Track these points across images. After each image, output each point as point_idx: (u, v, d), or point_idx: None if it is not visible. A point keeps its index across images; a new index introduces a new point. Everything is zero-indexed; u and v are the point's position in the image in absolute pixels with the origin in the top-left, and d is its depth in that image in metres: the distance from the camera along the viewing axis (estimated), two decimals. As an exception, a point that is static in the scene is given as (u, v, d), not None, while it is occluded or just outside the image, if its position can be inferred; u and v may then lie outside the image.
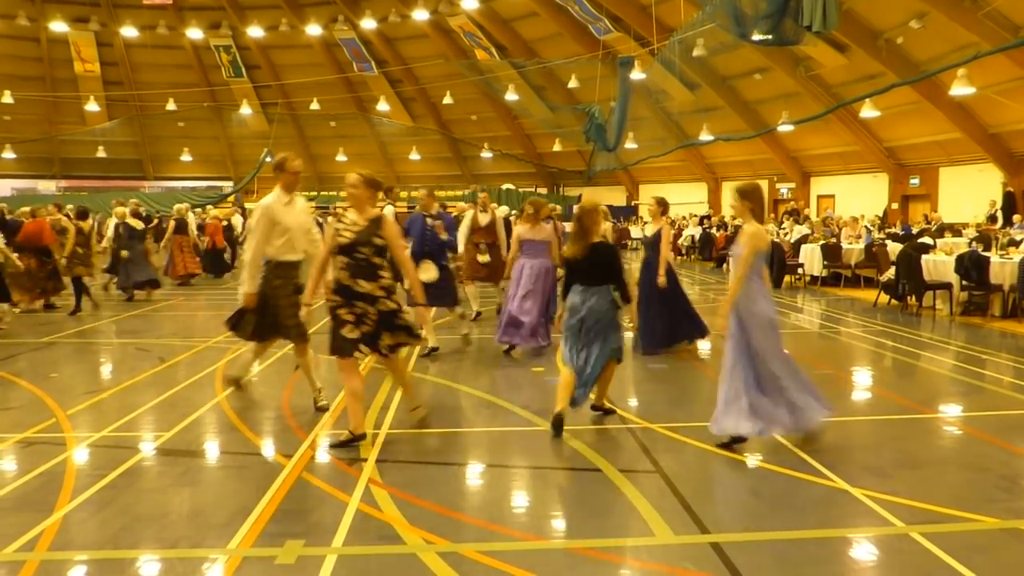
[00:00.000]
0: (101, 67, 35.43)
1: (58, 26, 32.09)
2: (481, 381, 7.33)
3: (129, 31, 32.80)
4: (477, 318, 10.65)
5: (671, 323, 8.58)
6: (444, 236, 8.51)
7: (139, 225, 13.84)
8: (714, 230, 23.21)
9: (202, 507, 4.33)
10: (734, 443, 5.19)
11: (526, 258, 8.52)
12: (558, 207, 17.21)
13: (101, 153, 36.55)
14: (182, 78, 36.07)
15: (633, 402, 6.73)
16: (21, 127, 35.24)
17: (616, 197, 35.16)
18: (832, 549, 3.81)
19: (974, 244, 12.50)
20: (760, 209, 5.31)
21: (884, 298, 12.61)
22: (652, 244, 8.62)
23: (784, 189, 30.00)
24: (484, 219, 10.44)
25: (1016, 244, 12.27)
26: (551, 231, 8.74)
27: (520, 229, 8.54)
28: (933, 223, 18.41)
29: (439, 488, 4.66)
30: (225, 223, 19.76)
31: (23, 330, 10.47)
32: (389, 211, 8.71)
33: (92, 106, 33.84)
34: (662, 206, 8.75)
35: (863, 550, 3.79)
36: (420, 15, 30.72)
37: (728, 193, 32.52)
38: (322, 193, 36.51)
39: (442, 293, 8.49)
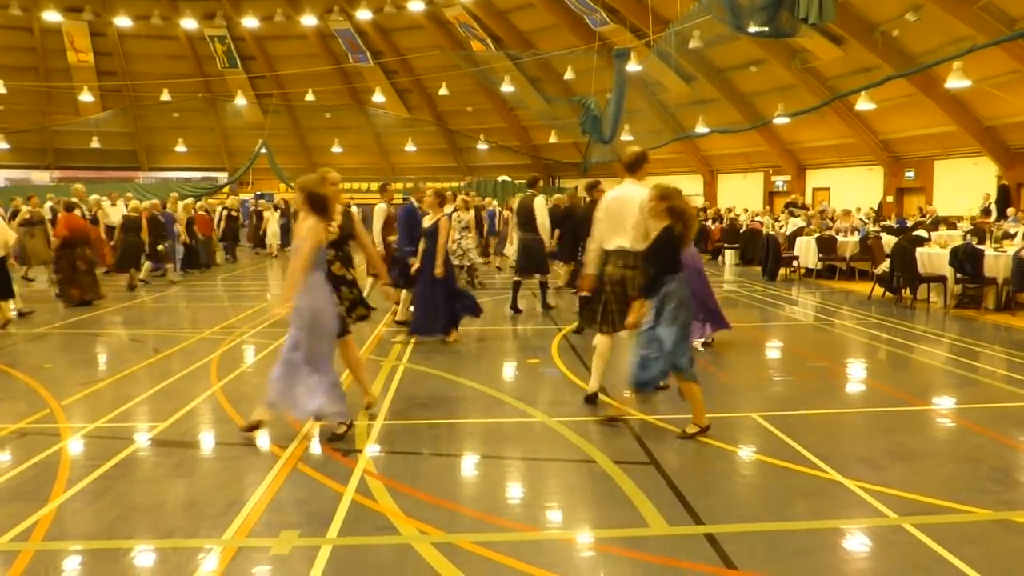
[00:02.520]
0: (95, 57, 35.20)
1: (51, 16, 31.85)
2: (476, 373, 7.33)
3: (123, 21, 32.57)
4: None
5: (451, 309, 8.86)
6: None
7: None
8: (710, 222, 23.21)
9: (197, 497, 4.33)
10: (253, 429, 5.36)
11: None
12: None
13: (95, 144, 36.35)
14: (176, 69, 35.88)
15: (628, 393, 6.73)
16: (14, 117, 35.03)
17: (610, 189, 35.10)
18: (825, 540, 3.83)
19: (968, 237, 12.54)
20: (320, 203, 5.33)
21: (879, 291, 12.64)
22: (430, 235, 8.73)
23: (780, 182, 30.00)
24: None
25: (1010, 237, 12.30)
26: None
27: None
28: (928, 216, 18.45)
29: (434, 479, 4.67)
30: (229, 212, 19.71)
31: (16, 321, 10.44)
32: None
33: (86, 96, 33.62)
34: (439, 198, 8.95)
35: (856, 541, 3.81)
36: (415, 6, 30.58)
37: (723, 186, 32.54)
38: (317, 184, 36.36)
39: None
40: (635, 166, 6.00)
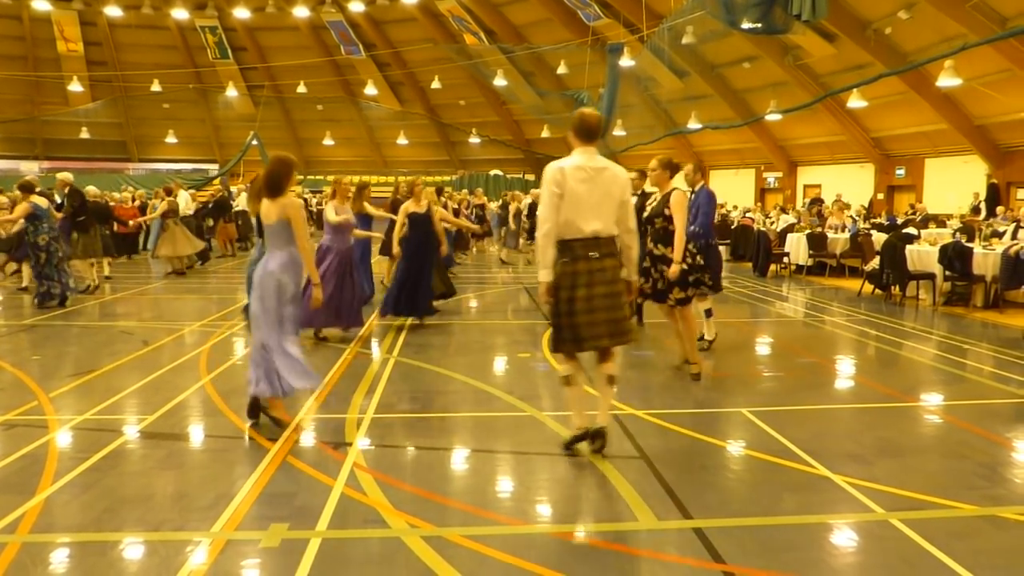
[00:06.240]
0: (85, 47, 34.98)
1: (41, 4, 31.59)
2: (467, 367, 7.33)
3: (113, 11, 32.33)
4: None
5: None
6: None
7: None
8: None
9: (186, 490, 4.32)
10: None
11: None
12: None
13: (85, 134, 36.14)
14: (167, 59, 35.68)
15: (618, 388, 6.74)
16: (3, 107, 34.80)
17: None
18: (813, 535, 3.84)
19: (958, 235, 12.61)
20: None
21: (868, 287, 12.70)
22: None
23: (771, 178, 30.08)
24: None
25: (999, 236, 12.38)
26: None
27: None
28: (918, 214, 18.53)
29: (424, 472, 4.67)
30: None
31: (4, 312, 10.38)
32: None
33: (75, 86, 33.40)
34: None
35: (843, 536, 3.83)
36: (409, -2, 30.52)
37: (715, 182, 32.65)
38: (308, 176, 36.31)
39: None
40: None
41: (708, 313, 8.16)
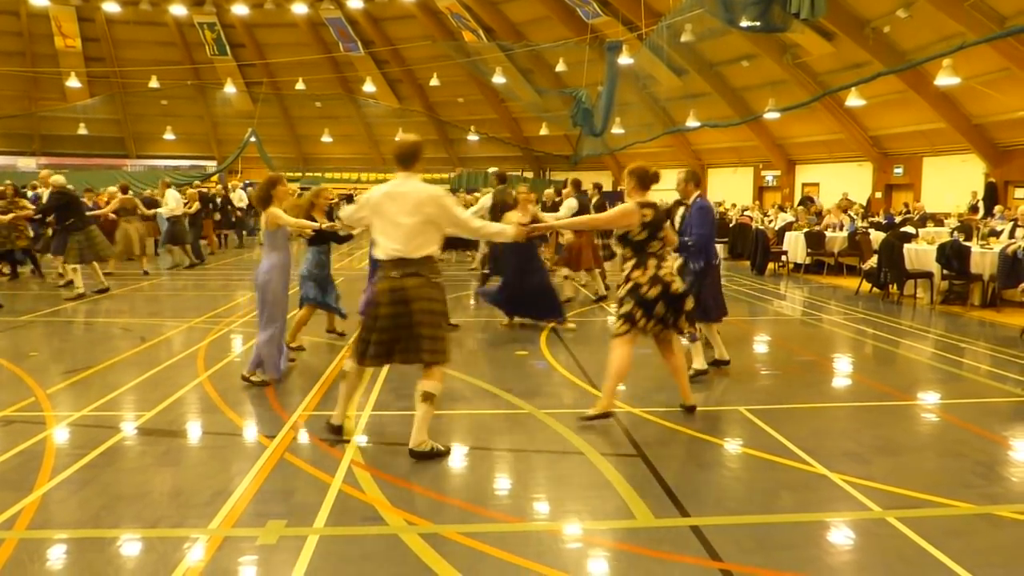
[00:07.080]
0: (82, 43, 34.88)
1: (38, 0, 31.50)
2: (464, 365, 7.32)
3: (111, 6, 32.22)
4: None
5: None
6: None
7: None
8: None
9: (183, 487, 4.32)
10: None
11: None
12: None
13: (83, 130, 36.06)
14: (165, 55, 35.60)
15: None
16: (0, 103, 34.70)
17: (602, 182, 35.13)
18: (810, 533, 3.85)
19: (955, 234, 12.62)
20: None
21: (866, 286, 12.71)
22: None
23: (770, 176, 30.08)
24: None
25: (996, 235, 12.39)
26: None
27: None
28: (915, 212, 18.55)
29: (421, 470, 4.67)
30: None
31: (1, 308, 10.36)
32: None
33: (73, 82, 33.31)
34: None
35: (840, 534, 3.83)
36: (407, -5, 30.46)
37: (713, 180, 32.57)
38: (307, 174, 36.26)
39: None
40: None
41: (692, 337, 6.70)
